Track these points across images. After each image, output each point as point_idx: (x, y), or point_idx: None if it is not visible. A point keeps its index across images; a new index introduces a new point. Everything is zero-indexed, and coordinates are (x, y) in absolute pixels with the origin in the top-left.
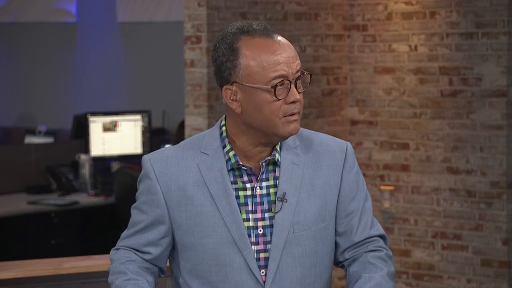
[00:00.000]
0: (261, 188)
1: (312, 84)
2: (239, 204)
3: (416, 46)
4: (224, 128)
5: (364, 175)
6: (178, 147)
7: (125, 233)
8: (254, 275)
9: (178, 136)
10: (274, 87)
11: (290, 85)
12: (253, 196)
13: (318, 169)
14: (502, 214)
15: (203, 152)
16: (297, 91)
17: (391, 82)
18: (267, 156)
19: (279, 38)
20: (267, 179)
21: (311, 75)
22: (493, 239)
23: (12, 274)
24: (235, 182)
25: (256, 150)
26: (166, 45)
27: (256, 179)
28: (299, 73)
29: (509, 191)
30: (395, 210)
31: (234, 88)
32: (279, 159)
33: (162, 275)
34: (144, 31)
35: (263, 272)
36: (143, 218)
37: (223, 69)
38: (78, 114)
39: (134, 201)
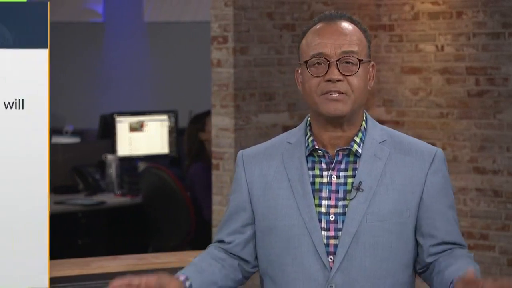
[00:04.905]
0: (338, 177)
1: None
2: (314, 190)
3: (442, 46)
4: (309, 118)
5: None
6: (270, 141)
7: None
8: (321, 259)
9: (189, 134)
10: (307, 61)
11: (329, 64)
12: (328, 183)
13: (402, 166)
14: None
15: (288, 142)
16: (340, 72)
17: (417, 82)
18: (343, 146)
19: (339, 23)
20: (346, 170)
21: (360, 60)
22: None
23: None
24: (312, 169)
25: (326, 135)
26: (193, 45)
27: (333, 167)
28: (344, 55)
29: None
30: None
31: (300, 69)
32: (359, 151)
33: (251, 270)
34: (171, 31)
35: (331, 259)
36: (229, 206)
37: None
38: (105, 114)
39: (161, 200)
